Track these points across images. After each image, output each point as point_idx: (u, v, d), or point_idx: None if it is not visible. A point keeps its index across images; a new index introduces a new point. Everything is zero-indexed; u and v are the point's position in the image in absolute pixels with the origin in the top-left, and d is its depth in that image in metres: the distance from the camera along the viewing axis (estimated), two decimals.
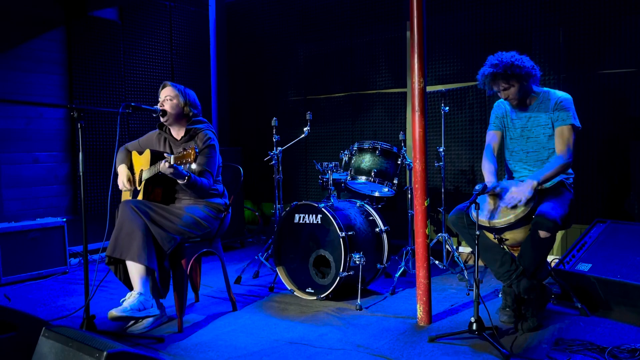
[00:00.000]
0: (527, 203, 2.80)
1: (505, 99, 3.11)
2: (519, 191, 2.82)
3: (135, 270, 2.87)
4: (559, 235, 4.02)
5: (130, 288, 2.97)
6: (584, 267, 3.13)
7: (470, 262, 4.37)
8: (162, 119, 3.18)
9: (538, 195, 2.89)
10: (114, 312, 2.77)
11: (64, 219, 4.35)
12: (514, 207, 2.80)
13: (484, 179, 3.14)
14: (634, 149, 3.75)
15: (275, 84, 5.78)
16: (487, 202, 2.93)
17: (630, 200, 3.80)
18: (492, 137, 3.27)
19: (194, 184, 2.94)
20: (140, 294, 2.87)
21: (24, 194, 4.52)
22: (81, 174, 2.65)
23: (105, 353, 1.68)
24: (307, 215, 3.50)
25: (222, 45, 6.14)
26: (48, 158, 4.67)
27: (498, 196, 2.90)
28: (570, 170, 3.12)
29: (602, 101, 3.87)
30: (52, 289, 3.91)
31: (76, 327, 2.86)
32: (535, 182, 2.84)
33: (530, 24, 4.13)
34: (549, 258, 3.56)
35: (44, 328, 1.95)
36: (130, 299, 2.85)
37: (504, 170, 3.35)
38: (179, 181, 2.91)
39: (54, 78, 4.68)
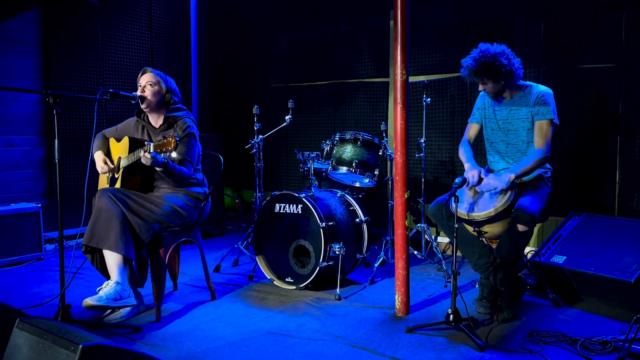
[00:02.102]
0: (507, 195, 2.84)
1: (483, 90, 3.14)
2: (496, 180, 2.88)
3: (113, 259, 2.84)
4: (536, 227, 4.08)
5: (107, 277, 2.93)
6: (559, 259, 3.19)
7: (449, 252, 4.42)
8: (141, 106, 3.11)
9: (517, 189, 2.93)
10: (89, 301, 2.72)
11: (39, 205, 4.27)
12: (491, 199, 2.83)
13: (464, 171, 3.16)
14: (612, 143, 3.82)
15: (258, 70, 5.72)
16: (467, 195, 2.96)
17: (606, 193, 3.87)
18: (469, 128, 3.33)
19: (172, 171, 2.89)
20: (118, 283, 2.83)
21: None
22: (57, 161, 2.58)
23: (80, 346, 1.66)
24: (287, 205, 3.49)
25: (204, 29, 6.03)
26: (23, 142, 4.56)
27: (478, 189, 2.93)
28: (548, 165, 3.16)
29: (581, 95, 3.91)
30: (26, 275, 3.84)
31: (51, 316, 2.82)
32: (512, 175, 2.88)
33: (513, 17, 4.15)
34: (525, 250, 3.61)
35: (18, 319, 1.91)
36: (107, 288, 2.81)
37: (484, 162, 3.38)
38: (157, 168, 2.86)
39: (30, 60, 4.55)
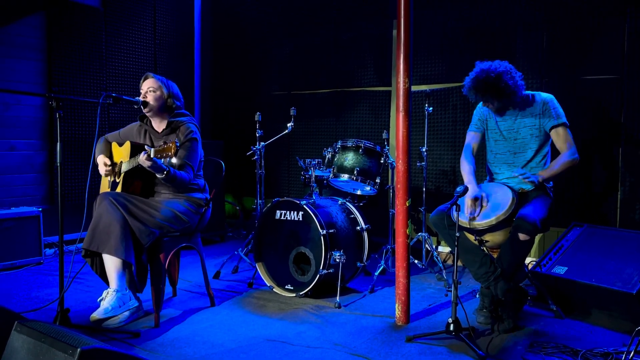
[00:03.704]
0: (508, 204, 2.83)
1: (486, 107, 3.15)
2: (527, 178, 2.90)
3: (112, 263, 2.83)
4: (537, 237, 4.06)
5: (107, 281, 2.93)
6: (560, 270, 3.18)
7: (449, 262, 4.40)
8: (144, 111, 3.12)
9: (519, 199, 2.92)
10: (96, 316, 2.77)
11: (40, 209, 4.27)
12: (493, 208, 2.82)
13: (464, 180, 3.16)
14: (615, 154, 3.81)
15: (260, 77, 5.74)
16: (468, 204, 2.95)
17: (608, 204, 3.86)
18: (472, 137, 3.30)
19: (173, 178, 2.90)
20: (117, 290, 2.83)
21: None
22: (59, 164, 2.58)
23: (78, 350, 1.65)
24: (288, 212, 3.49)
25: (207, 36, 6.06)
26: (25, 146, 4.57)
27: (482, 199, 2.93)
28: None
29: (583, 106, 3.91)
30: (25, 279, 3.83)
31: (50, 320, 2.81)
32: (540, 178, 2.93)
33: (515, 28, 4.16)
34: (526, 260, 3.60)
35: (16, 322, 1.90)
36: (108, 298, 2.82)
37: (484, 172, 3.38)
38: (158, 175, 2.87)
39: (33, 64, 4.56)
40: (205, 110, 6.10)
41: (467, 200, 2.92)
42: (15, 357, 1.85)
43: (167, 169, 2.83)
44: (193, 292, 3.57)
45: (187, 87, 5.74)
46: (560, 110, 3.04)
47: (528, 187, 3.08)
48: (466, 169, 3.16)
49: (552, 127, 3.02)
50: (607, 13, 3.80)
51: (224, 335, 2.82)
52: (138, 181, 3.05)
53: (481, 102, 3.29)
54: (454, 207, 2.70)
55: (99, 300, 2.88)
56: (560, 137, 3.03)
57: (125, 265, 2.88)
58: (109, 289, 2.86)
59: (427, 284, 3.79)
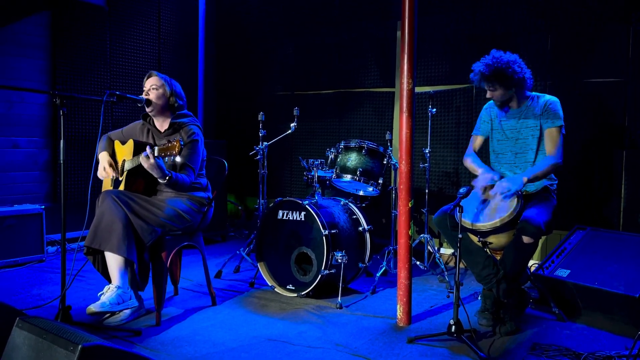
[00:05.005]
0: (513, 206, 2.82)
1: (491, 98, 3.15)
2: (509, 182, 2.87)
3: (114, 261, 2.83)
4: (540, 240, 4.05)
5: (109, 279, 2.93)
6: (563, 272, 3.17)
7: (451, 264, 4.39)
8: (147, 109, 3.13)
9: (523, 201, 2.91)
10: (93, 308, 2.76)
11: (42, 206, 4.27)
12: (497, 209, 2.82)
13: (467, 182, 3.16)
14: (618, 157, 3.80)
15: (264, 78, 5.74)
16: (472, 205, 2.94)
17: (611, 208, 3.85)
18: (474, 140, 3.35)
19: (174, 183, 2.91)
20: (118, 287, 2.83)
21: (2, 180, 4.42)
22: (62, 161, 2.59)
23: (80, 346, 1.64)
24: (290, 212, 3.48)
25: (211, 36, 6.06)
26: (28, 144, 4.58)
27: (487, 198, 2.93)
28: (553, 177, 3.15)
29: (587, 109, 3.91)
30: (27, 277, 3.84)
31: (51, 317, 2.80)
32: (525, 178, 2.89)
33: (519, 30, 4.16)
34: (529, 262, 3.59)
35: (17, 318, 1.90)
36: (109, 293, 2.81)
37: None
38: (160, 180, 2.86)
39: (37, 63, 4.57)
40: (208, 110, 6.10)
41: (488, 175, 2.96)
42: (17, 353, 1.85)
43: (170, 174, 2.84)
44: (194, 291, 3.57)
45: (190, 86, 5.74)
46: (560, 114, 3.03)
47: (531, 189, 3.08)
48: (473, 162, 3.21)
49: (547, 128, 3.02)
50: (608, 18, 3.79)
51: (225, 335, 2.82)
52: (141, 180, 3.05)
53: (488, 104, 3.28)
54: (457, 208, 2.69)
55: (99, 294, 2.88)
56: (551, 139, 3.02)
57: (127, 264, 2.88)
58: (110, 285, 2.86)
59: (429, 286, 3.78)
